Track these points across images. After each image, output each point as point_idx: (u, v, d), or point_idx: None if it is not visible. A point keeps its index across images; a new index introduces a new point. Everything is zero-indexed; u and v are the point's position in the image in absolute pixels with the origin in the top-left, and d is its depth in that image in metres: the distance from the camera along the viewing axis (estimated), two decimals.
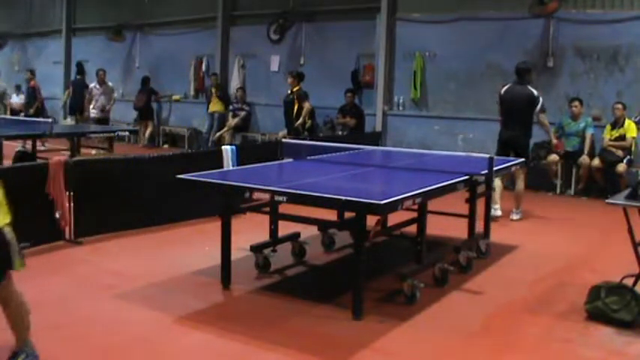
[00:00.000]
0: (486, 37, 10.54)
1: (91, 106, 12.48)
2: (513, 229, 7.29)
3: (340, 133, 11.65)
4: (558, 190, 9.51)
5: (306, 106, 10.52)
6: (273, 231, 5.49)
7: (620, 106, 9.01)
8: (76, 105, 13.76)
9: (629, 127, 8.98)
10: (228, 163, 7.11)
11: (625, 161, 8.85)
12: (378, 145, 10.74)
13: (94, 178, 6.15)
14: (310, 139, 8.33)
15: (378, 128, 11.61)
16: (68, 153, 9.04)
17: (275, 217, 5.38)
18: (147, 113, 14.78)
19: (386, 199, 3.96)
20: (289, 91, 10.83)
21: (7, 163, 8.02)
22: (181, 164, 6.56)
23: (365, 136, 11.16)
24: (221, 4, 14.08)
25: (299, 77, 10.73)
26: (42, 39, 18.44)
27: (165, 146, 14.72)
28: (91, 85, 12.62)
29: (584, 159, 9.12)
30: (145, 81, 14.87)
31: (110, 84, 12.77)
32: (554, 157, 9.35)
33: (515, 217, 7.68)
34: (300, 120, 10.54)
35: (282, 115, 11.25)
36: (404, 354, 3.80)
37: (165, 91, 15.21)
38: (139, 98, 14.72)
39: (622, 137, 9.01)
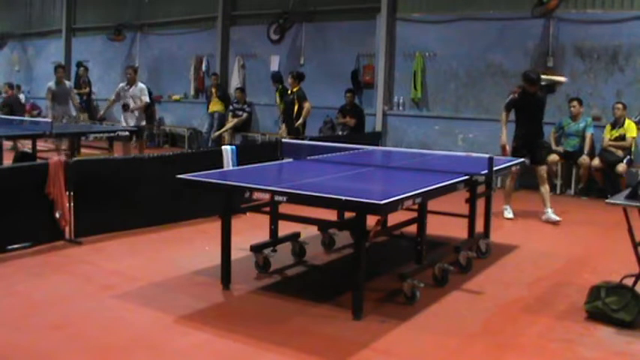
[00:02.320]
0: (486, 37, 10.53)
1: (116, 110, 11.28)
2: (513, 229, 7.29)
3: (340, 133, 11.64)
4: (558, 190, 9.50)
5: (307, 105, 10.53)
6: (273, 231, 5.49)
7: (620, 106, 9.01)
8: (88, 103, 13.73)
9: (629, 127, 8.97)
10: (228, 163, 7.11)
11: (625, 161, 8.84)
12: (378, 145, 10.73)
13: (94, 178, 6.15)
14: (310, 139, 8.32)
15: (378, 128, 11.61)
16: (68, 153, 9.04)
17: (275, 217, 5.38)
18: None
19: (386, 199, 3.96)
20: (289, 92, 10.83)
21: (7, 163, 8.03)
22: (181, 164, 6.56)
23: (365, 136, 11.16)
24: (221, 4, 14.08)
25: (299, 78, 10.72)
26: (42, 39, 18.42)
27: (166, 146, 14.70)
28: (121, 85, 10.97)
29: (584, 159, 9.12)
30: None
31: (140, 85, 10.71)
32: (554, 157, 9.34)
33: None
34: (301, 120, 10.54)
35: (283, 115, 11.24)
36: (404, 354, 3.80)
37: (167, 92, 15.12)
38: None
39: (622, 137, 9.00)
